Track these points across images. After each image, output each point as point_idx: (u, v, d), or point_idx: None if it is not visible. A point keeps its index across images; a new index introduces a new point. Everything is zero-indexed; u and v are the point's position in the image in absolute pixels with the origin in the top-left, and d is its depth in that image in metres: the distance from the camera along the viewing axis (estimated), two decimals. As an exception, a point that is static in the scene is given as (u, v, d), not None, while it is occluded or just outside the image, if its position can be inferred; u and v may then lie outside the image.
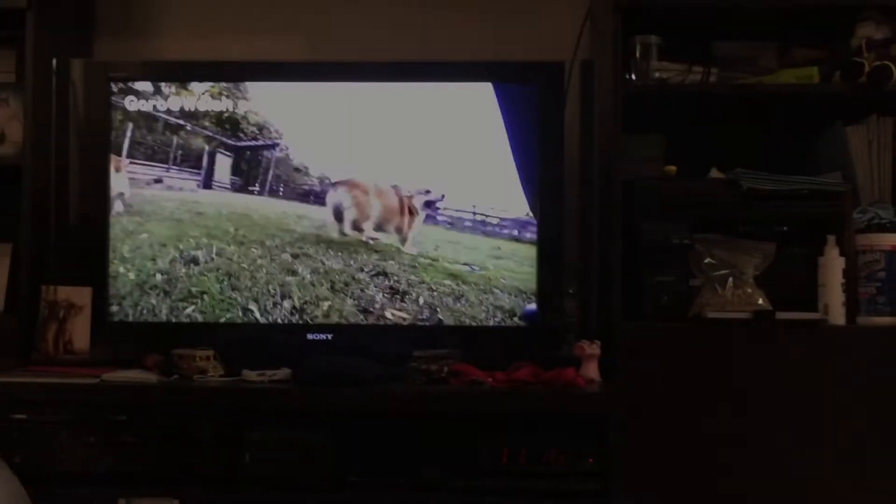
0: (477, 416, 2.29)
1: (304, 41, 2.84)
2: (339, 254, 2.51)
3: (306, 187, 2.53)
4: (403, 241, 2.52)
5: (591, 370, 2.35)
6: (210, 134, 2.53)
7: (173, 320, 2.49)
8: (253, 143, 2.54)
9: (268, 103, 2.54)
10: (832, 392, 2.29)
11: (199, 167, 2.53)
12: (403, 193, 2.51)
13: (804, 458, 2.29)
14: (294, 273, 2.50)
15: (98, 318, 2.49)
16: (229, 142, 2.53)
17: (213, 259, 2.52)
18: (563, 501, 2.21)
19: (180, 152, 2.53)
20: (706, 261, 2.39)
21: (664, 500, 2.29)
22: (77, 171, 2.57)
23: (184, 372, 2.35)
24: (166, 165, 2.54)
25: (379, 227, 2.53)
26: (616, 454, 2.21)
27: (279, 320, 2.48)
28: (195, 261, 2.52)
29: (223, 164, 2.54)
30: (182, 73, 2.55)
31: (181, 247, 2.52)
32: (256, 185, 2.54)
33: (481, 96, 2.49)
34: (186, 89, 2.53)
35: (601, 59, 2.51)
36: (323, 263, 2.50)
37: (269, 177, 2.54)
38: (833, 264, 2.34)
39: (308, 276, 2.50)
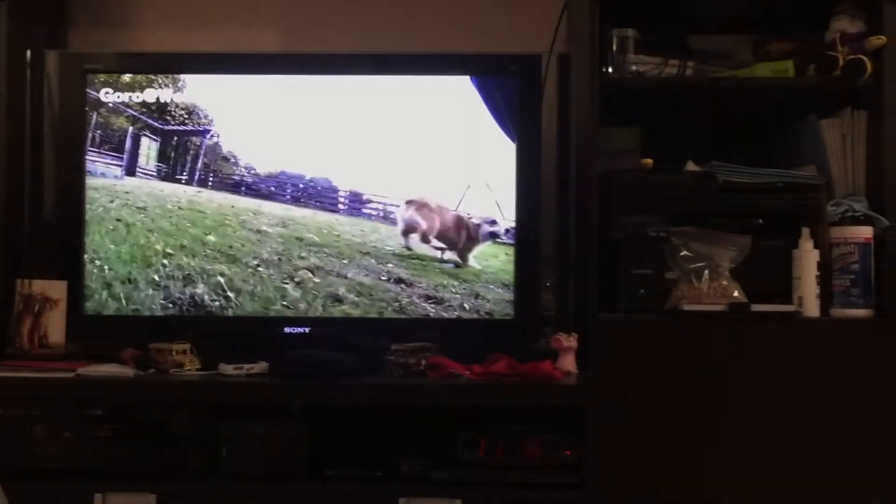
0: (455, 409, 2.29)
1: (279, 33, 2.84)
2: (343, 260, 2.47)
3: (247, 180, 2.49)
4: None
5: (569, 363, 2.36)
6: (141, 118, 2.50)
7: (149, 314, 2.48)
8: (181, 127, 2.49)
9: (226, 94, 2.51)
10: (808, 383, 2.31)
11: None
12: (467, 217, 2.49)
13: (781, 450, 2.31)
14: (340, 301, 2.45)
15: (73, 312, 2.48)
16: (157, 125, 2.49)
17: (230, 304, 2.44)
18: (541, 493, 2.22)
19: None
20: (682, 253, 2.40)
21: (641, 491, 2.30)
22: (52, 163, 2.55)
23: (160, 366, 2.34)
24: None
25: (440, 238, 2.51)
26: (593, 446, 2.22)
27: (256, 314, 2.48)
28: (204, 309, 2.45)
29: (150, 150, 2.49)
30: (158, 65, 2.53)
31: (156, 277, 2.44)
32: (185, 174, 2.48)
33: (455, 89, 2.49)
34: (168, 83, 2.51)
35: (578, 52, 2.51)
36: (345, 277, 2.45)
37: (199, 166, 2.48)
38: (807, 257, 2.35)
39: (356, 298, 2.45)
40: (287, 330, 2.47)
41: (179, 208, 2.47)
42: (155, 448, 2.25)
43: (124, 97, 2.50)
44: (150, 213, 2.47)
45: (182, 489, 2.22)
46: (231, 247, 2.47)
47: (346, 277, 2.47)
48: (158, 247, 2.46)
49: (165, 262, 2.46)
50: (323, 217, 2.50)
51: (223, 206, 2.49)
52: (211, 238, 2.46)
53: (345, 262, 2.47)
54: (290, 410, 2.31)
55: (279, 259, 2.47)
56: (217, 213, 2.49)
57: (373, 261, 2.48)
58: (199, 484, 2.24)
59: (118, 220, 2.46)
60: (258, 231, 2.49)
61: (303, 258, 2.47)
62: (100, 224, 2.47)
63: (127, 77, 2.50)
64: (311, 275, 2.47)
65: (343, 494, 2.24)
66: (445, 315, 2.46)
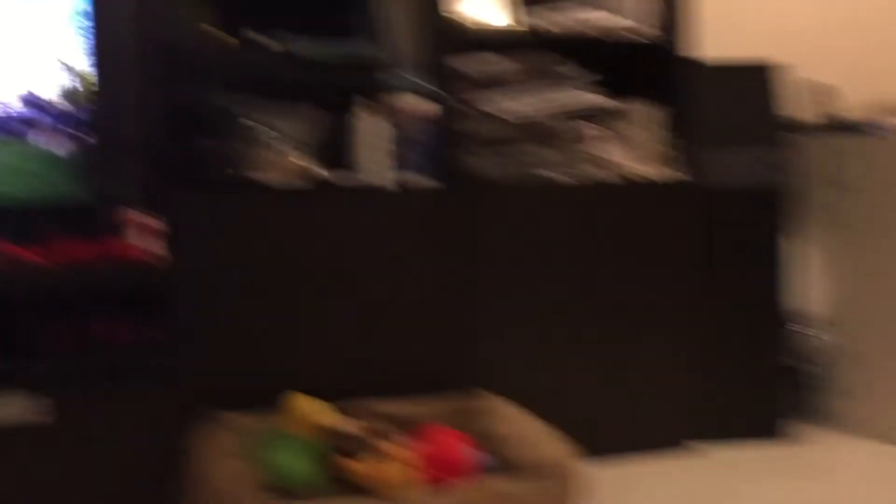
0: (27, 298, 2.13)
1: None
2: None
3: None
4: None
5: (147, 242, 2.28)
6: None
7: None
8: None
9: None
10: (383, 251, 2.43)
11: None
12: None
13: (375, 315, 2.42)
14: None
15: None
16: None
17: None
18: (127, 377, 2.16)
19: None
20: (256, 127, 2.40)
21: (231, 369, 2.30)
22: None
23: None
24: None
25: None
26: (175, 326, 2.19)
27: None
28: None
29: None
30: None
31: None
32: None
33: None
34: None
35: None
36: None
37: None
38: (375, 129, 2.45)
39: None
40: None
41: None
42: None
43: None
44: None
45: None
46: None
47: None
48: None
49: None
50: None
51: None
52: None
53: None
54: None
55: None
56: None
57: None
58: None
59: None
60: None
61: None
62: None
63: None
64: None
65: None
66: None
